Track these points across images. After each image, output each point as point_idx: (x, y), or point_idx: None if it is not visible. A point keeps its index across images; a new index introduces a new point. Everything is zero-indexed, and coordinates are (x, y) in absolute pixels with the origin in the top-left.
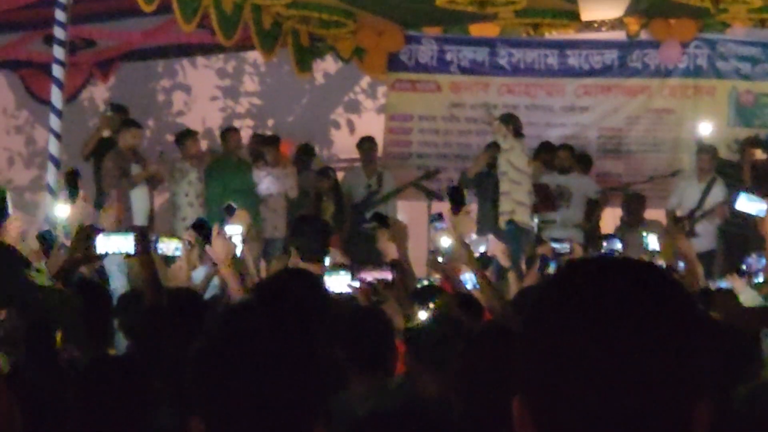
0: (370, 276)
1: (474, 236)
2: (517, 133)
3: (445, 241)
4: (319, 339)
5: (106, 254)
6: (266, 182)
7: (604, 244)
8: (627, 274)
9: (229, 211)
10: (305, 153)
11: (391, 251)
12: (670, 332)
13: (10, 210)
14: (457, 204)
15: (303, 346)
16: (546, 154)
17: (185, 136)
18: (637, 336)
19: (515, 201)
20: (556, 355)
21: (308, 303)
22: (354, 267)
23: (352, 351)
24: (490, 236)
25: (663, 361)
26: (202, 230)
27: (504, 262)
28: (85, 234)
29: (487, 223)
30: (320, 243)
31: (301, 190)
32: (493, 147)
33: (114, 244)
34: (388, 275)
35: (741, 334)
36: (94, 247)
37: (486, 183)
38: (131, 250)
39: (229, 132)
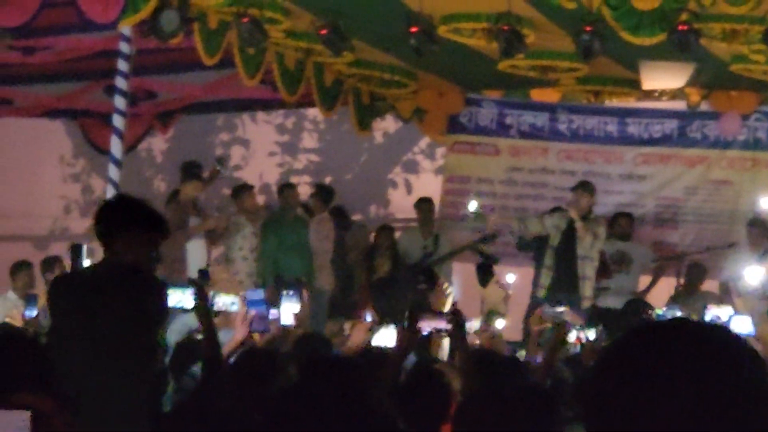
0: (428, 326)
1: (548, 307)
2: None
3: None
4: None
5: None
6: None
7: (664, 309)
8: (699, 335)
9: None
10: (341, 212)
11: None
12: (738, 393)
13: (85, 262)
14: (485, 279)
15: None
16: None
17: (241, 190)
18: (704, 395)
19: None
20: (631, 412)
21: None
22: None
23: (408, 414)
24: (568, 310)
25: (731, 421)
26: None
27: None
28: None
29: (562, 291)
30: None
31: (345, 246)
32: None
33: (172, 299)
34: (445, 325)
35: None
36: None
37: (563, 247)
38: (189, 304)
39: (286, 188)
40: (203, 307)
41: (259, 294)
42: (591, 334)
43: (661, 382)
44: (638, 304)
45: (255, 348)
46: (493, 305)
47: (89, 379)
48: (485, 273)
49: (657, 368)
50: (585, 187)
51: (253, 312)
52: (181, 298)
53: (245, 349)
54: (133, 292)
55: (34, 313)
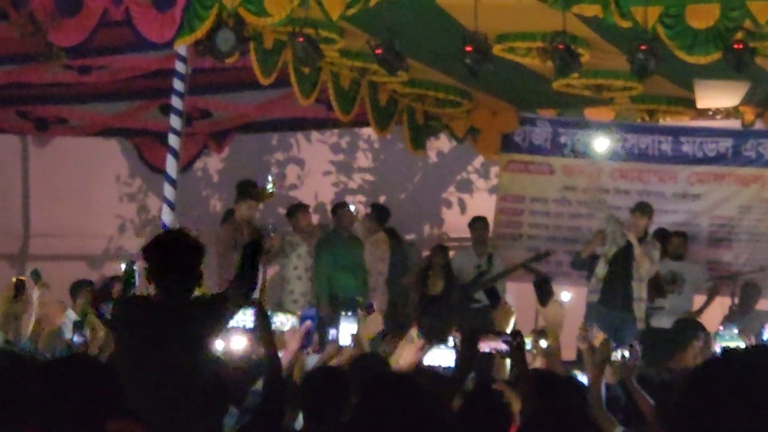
0: (488, 346)
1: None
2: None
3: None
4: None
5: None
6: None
7: (721, 328)
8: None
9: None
10: (393, 233)
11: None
12: None
13: (137, 281)
14: (545, 297)
15: None
16: (660, 241)
17: (296, 209)
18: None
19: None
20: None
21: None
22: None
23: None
24: (595, 326)
25: None
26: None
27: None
28: None
29: (615, 309)
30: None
31: (399, 264)
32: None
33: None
34: (504, 346)
35: None
36: None
37: (619, 266)
38: (250, 324)
39: (340, 207)
40: (265, 327)
41: (312, 312)
42: (625, 353)
43: (747, 406)
44: (688, 323)
45: (325, 367)
46: (552, 325)
47: (152, 405)
48: (544, 291)
49: (743, 393)
50: (643, 209)
51: (308, 322)
52: (241, 318)
53: (316, 369)
54: (198, 321)
55: (80, 339)
